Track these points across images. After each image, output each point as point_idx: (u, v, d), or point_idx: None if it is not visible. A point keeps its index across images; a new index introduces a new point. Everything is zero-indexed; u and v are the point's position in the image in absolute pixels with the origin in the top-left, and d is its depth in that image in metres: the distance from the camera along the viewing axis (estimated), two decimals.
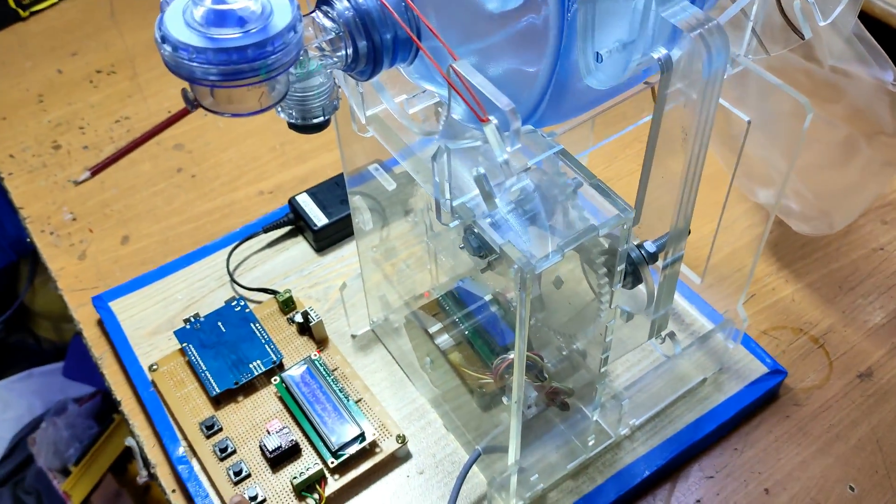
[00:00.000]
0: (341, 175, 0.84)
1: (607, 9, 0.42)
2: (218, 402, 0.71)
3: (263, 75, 0.42)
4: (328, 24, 0.46)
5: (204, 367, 0.72)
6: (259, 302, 0.79)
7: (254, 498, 0.65)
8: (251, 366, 0.72)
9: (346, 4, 0.46)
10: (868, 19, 0.86)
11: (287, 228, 0.86)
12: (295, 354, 0.74)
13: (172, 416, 0.71)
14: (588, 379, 0.62)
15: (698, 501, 0.67)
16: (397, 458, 0.69)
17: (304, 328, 0.75)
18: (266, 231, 0.85)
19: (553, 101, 0.44)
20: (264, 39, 0.41)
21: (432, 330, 0.68)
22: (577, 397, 0.65)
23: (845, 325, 0.77)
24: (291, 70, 0.44)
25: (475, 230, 0.48)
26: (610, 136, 0.57)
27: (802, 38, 0.52)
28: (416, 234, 0.73)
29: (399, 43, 0.47)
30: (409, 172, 0.50)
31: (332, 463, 0.66)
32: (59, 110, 1.03)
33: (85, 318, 0.81)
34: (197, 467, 0.69)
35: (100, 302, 0.80)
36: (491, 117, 0.41)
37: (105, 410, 1.28)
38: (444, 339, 0.68)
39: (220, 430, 0.70)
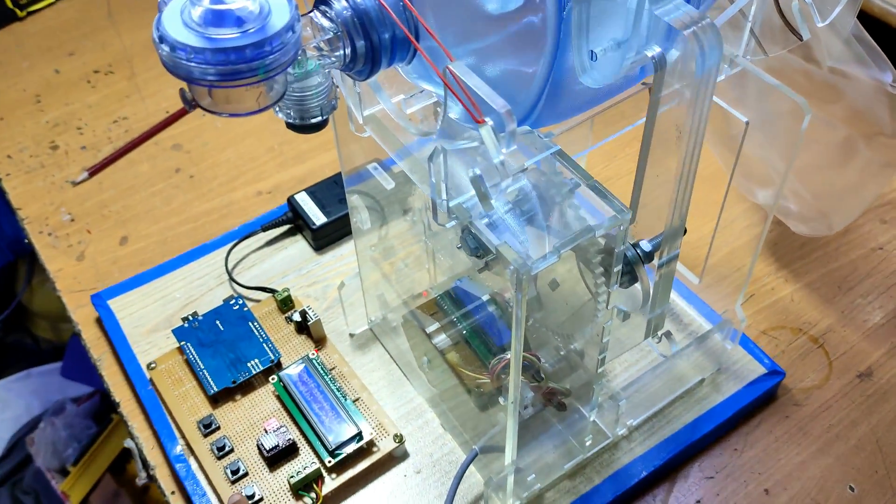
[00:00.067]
0: (340, 174, 0.84)
1: (601, 7, 0.42)
2: (216, 400, 0.71)
3: (261, 75, 0.42)
4: (326, 23, 0.46)
5: (202, 366, 0.72)
6: (257, 301, 0.79)
7: (251, 497, 0.65)
8: (249, 364, 0.72)
9: (345, 4, 0.46)
10: (867, 18, 0.86)
11: (286, 227, 0.86)
12: (293, 353, 0.74)
13: (170, 414, 0.71)
14: (585, 379, 0.62)
15: (698, 502, 0.67)
16: (394, 458, 0.69)
17: (302, 327, 0.75)
18: (265, 230, 0.85)
19: (549, 102, 0.44)
20: (262, 39, 0.41)
21: (430, 329, 0.68)
22: (575, 397, 0.65)
23: (845, 324, 0.77)
24: (289, 70, 0.44)
25: (472, 230, 0.48)
26: (609, 136, 0.57)
27: (801, 39, 0.52)
28: (415, 233, 0.73)
29: (397, 43, 0.47)
30: (406, 173, 0.50)
31: (330, 462, 0.66)
32: (57, 111, 1.02)
33: (83, 318, 0.81)
34: (195, 466, 0.69)
35: (98, 300, 0.81)
36: (487, 118, 0.41)
37: (103, 410, 1.28)
38: (441, 339, 0.68)
39: (218, 428, 0.70)
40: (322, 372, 0.71)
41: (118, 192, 0.92)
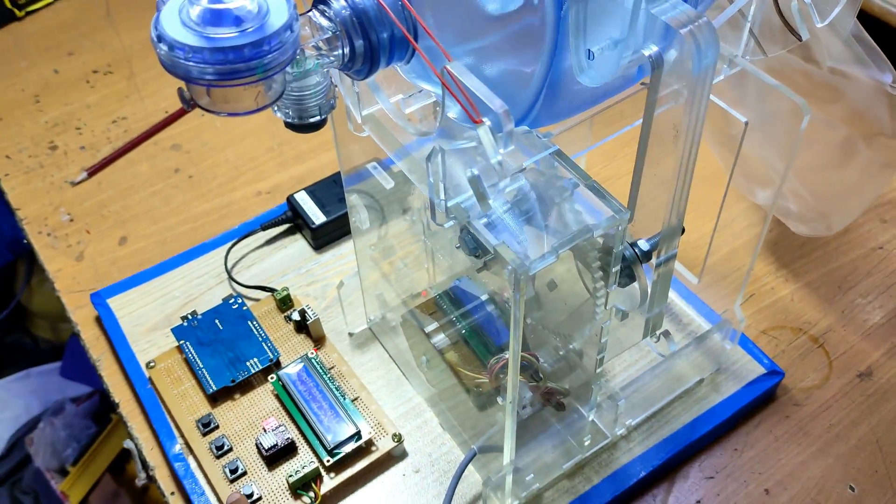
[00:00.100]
0: (339, 173, 0.84)
1: (599, 6, 0.42)
2: (214, 399, 0.71)
3: (260, 74, 0.41)
4: (325, 23, 0.46)
5: (201, 365, 0.72)
6: (256, 300, 0.79)
7: (250, 496, 0.65)
8: (248, 363, 0.72)
9: (343, 3, 0.46)
10: (866, 18, 0.85)
11: (285, 226, 0.86)
12: (292, 352, 0.74)
13: (169, 413, 0.71)
14: (584, 379, 0.62)
15: (698, 502, 0.67)
16: (393, 457, 0.69)
17: (302, 326, 0.75)
18: (264, 228, 0.85)
19: (547, 102, 0.44)
20: (261, 39, 0.40)
21: (428, 329, 0.68)
22: (574, 397, 0.65)
23: (845, 324, 0.77)
24: (288, 69, 0.44)
25: (471, 230, 0.48)
26: (608, 137, 0.57)
27: (800, 39, 0.52)
28: (414, 232, 0.73)
29: (396, 42, 0.47)
30: (405, 172, 0.50)
31: (328, 461, 0.66)
32: (56, 111, 1.02)
33: (83, 319, 0.80)
34: (193, 465, 0.69)
35: (98, 299, 0.81)
36: (484, 118, 0.41)
37: (103, 410, 1.28)
38: (440, 339, 0.68)
39: (217, 427, 0.70)
40: (321, 371, 0.71)
41: (117, 193, 0.92)
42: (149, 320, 0.79)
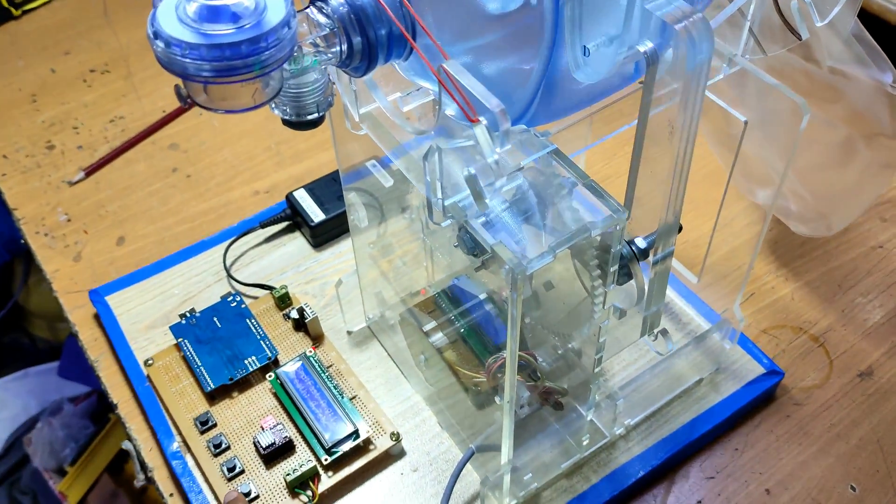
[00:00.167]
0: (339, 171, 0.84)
1: (594, 3, 0.42)
2: (212, 397, 0.71)
3: (257, 71, 0.41)
4: (322, 19, 0.46)
5: (199, 363, 0.72)
6: (255, 298, 0.79)
7: (247, 494, 0.65)
8: (246, 362, 0.72)
9: (341, 0, 0.46)
10: (865, 16, 0.85)
11: (284, 224, 0.86)
12: (290, 351, 0.74)
13: (167, 411, 0.71)
14: (583, 378, 0.62)
15: (699, 502, 0.66)
16: (391, 456, 0.68)
17: (300, 324, 0.75)
18: (263, 226, 0.85)
19: (545, 100, 0.44)
20: (258, 35, 0.40)
21: (427, 328, 0.68)
22: (572, 396, 0.65)
23: (845, 323, 0.77)
24: (285, 66, 0.44)
25: (468, 229, 0.48)
26: (607, 135, 0.57)
27: (800, 38, 0.52)
28: (413, 231, 0.72)
29: (394, 39, 0.47)
30: (402, 171, 0.50)
31: (326, 460, 0.66)
32: (53, 110, 1.02)
33: (80, 319, 0.80)
34: (191, 463, 0.68)
35: (96, 296, 0.80)
36: (481, 117, 0.41)
37: (101, 410, 1.27)
38: (438, 337, 0.68)
39: (215, 425, 0.69)
40: (319, 369, 0.71)
41: (115, 192, 0.92)
42: (147, 318, 0.79)
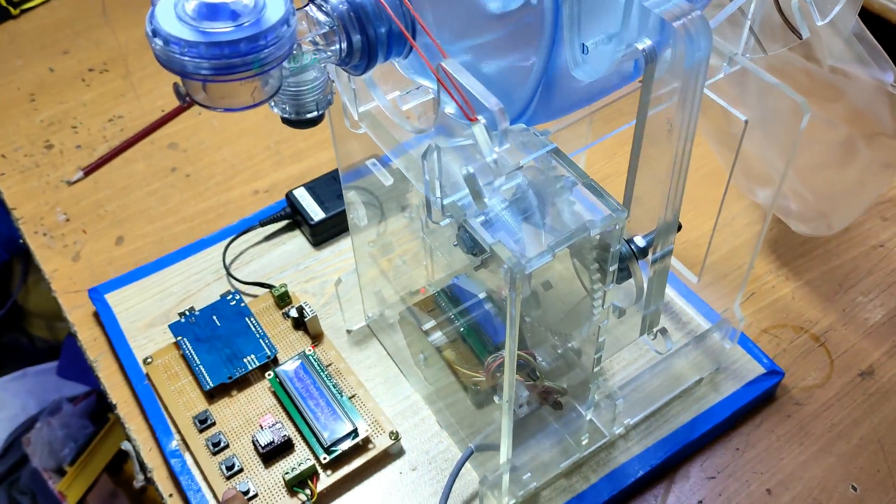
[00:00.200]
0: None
1: (593, 1, 0.42)
2: (211, 396, 0.71)
3: (256, 69, 0.41)
4: (322, 17, 0.46)
5: (198, 361, 0.72)
6: (255, 296, 0.79)
7: (246, 493, 0.65)
8: (245, 360, 0.72)
9: None
10: (867, 15, 0.85)
11: (284, 222, 0.86)
12: (289, 349, 0.74)
13: (166, 410, 0.71)
14: (582, 377, 0.62)
15: (700, 502, 0.66)
16: (390, 455, 0.68)
17: (299, 323, 0.75)
18: (263, 225, 0.84)
19: (544, 98, 0.44)
20: (257, 33, 0.40)
21: (426, 327, 0.68)
22: (572, 396, 0.64)
23: (846, 323, 0.77)
24: (285, 64, 0.44)
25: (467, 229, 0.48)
26: (607, 134, 0.57)
27: (800, 37, 0.51)
28: (413, 230, 0.72)
29: (393, 37, 0.47)
30: (401, 170, 0.50)
31: (325, 459, 0.66)
32: (51, 109, 1.02)
33: (79, 319, 0.80)
34: (190, 461, 0.68)
35: (96, 294, 0.80)
36: (479, 116, 0.41)
37: (100, 410, 1.27)
38: (437, 336, 0.68)
39: (214, 424, 0.69)
40: (318, 368, 0.71)
41: (114, 192, 0.92)
42: (146, 316, 0.79)
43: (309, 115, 0.48)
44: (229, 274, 0.81)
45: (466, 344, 0.68)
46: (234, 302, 0.77)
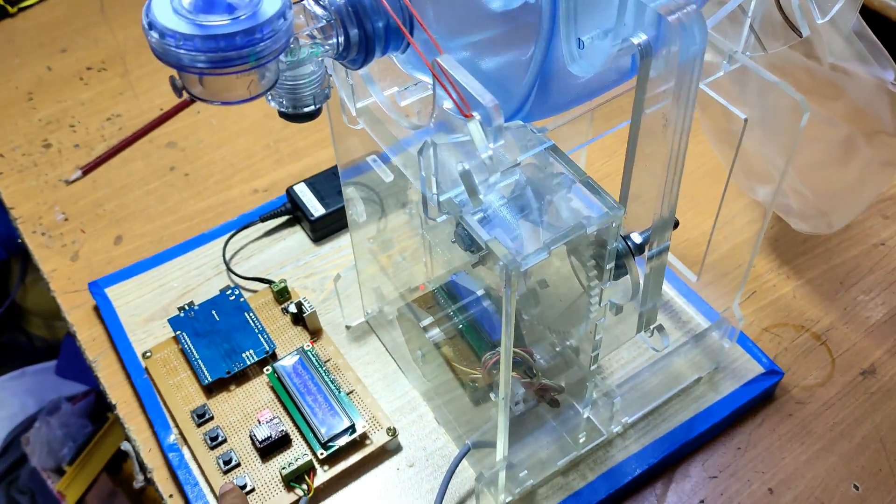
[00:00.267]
0: None
1: None
2: (210, 390, 0.71)
3: (252, 63, 0.41)
4: (319, 11, 0.46)
5: (197, 356, 0.72)
6: (254, 291, 0.79)
7: (243, 487, 0.65)
8: (244, 355, 0.72)
9: None
10: (867, 12, 0.85)
11: (284, 218, 0.86)
12: (288, 345, 0.74)
13: (165, 404, 0.71)
14: (580, 375, 0.62)
15: (702, 501, 0.66)
16: (387, 451, 0.68)
17: (298, 318, 0.75)
18: (263, 220, 0.84)
19: (540, 94, 0.44)
20: (253, 26, 0.40)
21: (424, 323, 0.68)
22: (569, 394, 0.64)
23: (847, 322, 0.77)
24: (282, 58, 0.44)
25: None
26: (605, 132, 0.57)
27: (800, 35, 0.51)
28: (412, 226, 0.72)
29: (391, 32, 0.47)
30: (399, 166, 0.50)
31: (322, 454, 0.66)
32: (50, 108, 1.02)
33: (78, 319, 0.80)
34: (187, 455, 0.68)
35: (96, 288, 0.80)
36: (474, 113, 0.41)
37: (99, 409, 1.27)
38: (435, 333, 0.68)
39: (212, 418, 0.69)
40: (317, 364, 0.71)
41: (112, 191, 0.92)
42: (146, 310, 0.79)
43: (306, 109, 0.48)
44: (229, 269, 0.81)
45: (465, 341, 0.68)
46: (234, 297, 0.77)
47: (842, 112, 0.67)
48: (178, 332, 0.74)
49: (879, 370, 0.73)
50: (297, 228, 0.85)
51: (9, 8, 1.14)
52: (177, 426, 0.70)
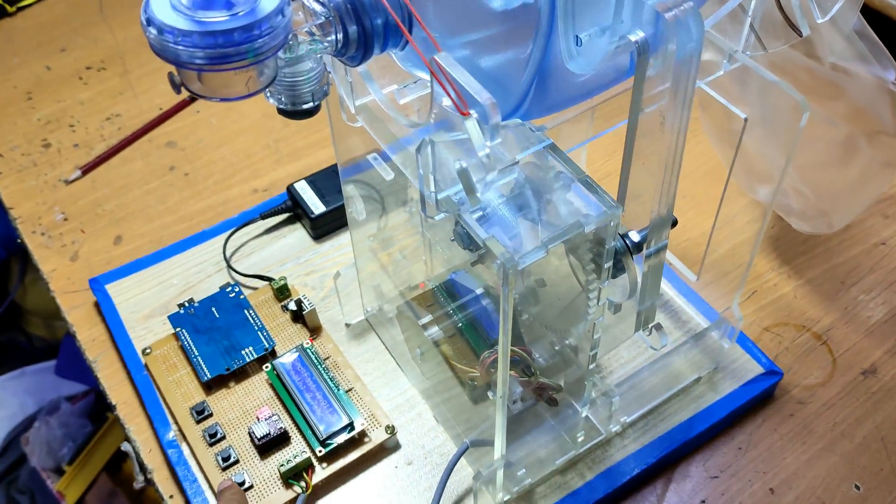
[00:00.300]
0: None
1: None
2: (209, 387, 0.71)
3: (251, 59, 0.41)
4: (318, 8, 0.46)
5: (196, 353, 0.72)
6: (254, 288, 0.79)
7: (241, 484, 0.65)
8: (243, 352, 0.72)
9: None
10: (868, 12, 0.85)
11: (285, 215, 0.85)
12: (288, 342, 0.74)
13: (164, 400, 0.71)
14: (579, 374, 0.62)
15: (703, 501, 0.66)
16: (386, 449, 0.68)
17: (298, 316, 0.75)
18: (264, 217, 0.84)
19: (539, 92, 0.44)
20: (251, 23, 0.40)
21: (423, 321, 0.68)
22: (568, 392, 0.64)
23: (848, 321, 0.77)
24: (280, 54, 0.44)
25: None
26: (605, 130, 0.57)
27: (801, 34, 0.51)
28: (412, 224, 0.72)
29: (390, 29, 0.47)
30: (397, 164, 0.50)
31: (321, 451, 0.66)
32: (49, 108, 1.01)
33: (78, 319, 0.80)
34: (186, 452, 0.68)
35: (96, 284, 0.80)
36: (472, 111, 0.41)
37: (99, 409, 1.27)
38: (434, 331, 0.68)
39: (211, 415, 0.69)
40: (316, 361, 0.71)
41: (112, 191, 0.91)
42: (146, 307, 0.79)
43: (305, 106, 0.48)
44: (230, 266, 0.81)
45: (464, 339, 0.68)
46: (234, 294, 0.77)
47: (842, 112, 0.67)
48: (178, 329, 0.74)
49: (880, 370, 0.73)
50: (298, 226, 0.85)
51: (8, 7, 1.14)
52: (176, 423, 0.70)
